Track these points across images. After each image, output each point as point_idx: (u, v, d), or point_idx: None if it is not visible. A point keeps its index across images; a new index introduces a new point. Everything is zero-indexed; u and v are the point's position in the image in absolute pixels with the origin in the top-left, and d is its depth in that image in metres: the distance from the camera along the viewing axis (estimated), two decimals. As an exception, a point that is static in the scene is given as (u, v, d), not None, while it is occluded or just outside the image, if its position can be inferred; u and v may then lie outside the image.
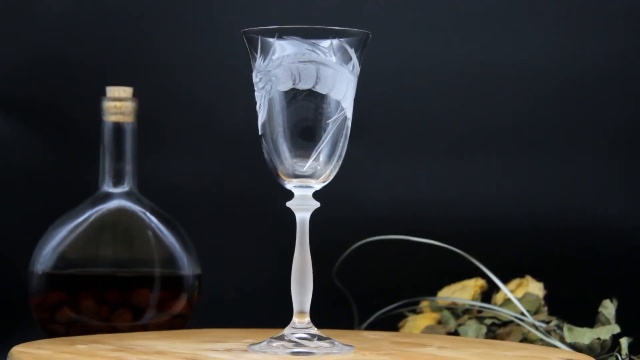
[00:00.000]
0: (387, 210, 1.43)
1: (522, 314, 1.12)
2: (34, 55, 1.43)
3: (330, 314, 1.17)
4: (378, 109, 1.44)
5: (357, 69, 0.90)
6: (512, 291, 1.18)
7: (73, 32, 1.43)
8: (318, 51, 0.88)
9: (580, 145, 1.44)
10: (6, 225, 1.40)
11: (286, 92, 0.90)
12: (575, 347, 1.06)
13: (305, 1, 1.44)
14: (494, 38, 1.45)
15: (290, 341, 0.91)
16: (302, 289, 0.92)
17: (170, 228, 1.16)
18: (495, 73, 1.44)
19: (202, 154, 1.45)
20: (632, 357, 1.05)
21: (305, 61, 0.89)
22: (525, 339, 1.10)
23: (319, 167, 0.91)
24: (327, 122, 0.90)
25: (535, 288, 1.19)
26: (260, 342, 0.93)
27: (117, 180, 1.17)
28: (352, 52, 0.89)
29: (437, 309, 1.20)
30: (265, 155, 0.92)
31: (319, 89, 0.89)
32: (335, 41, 0.89)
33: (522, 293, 1.18)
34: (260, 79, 0.91)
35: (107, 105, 1.16)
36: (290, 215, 0.94)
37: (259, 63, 0.91)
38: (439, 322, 1.18)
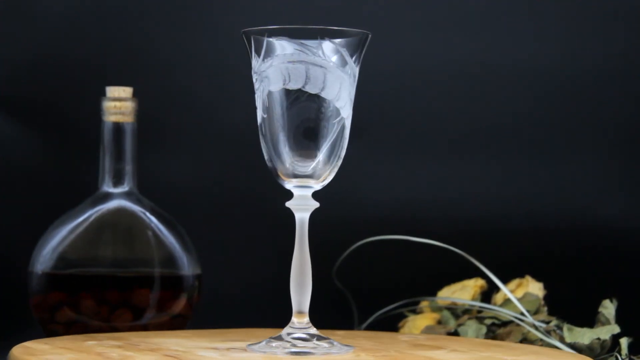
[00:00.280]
0: (387, 210, 1.43)
1: (522, 314, 1.12)
2: (34, 55, 1.43)
3: (330, 314, 1.17)
4: (378, 109, 1.44)
5: (354, 68, 0.90)
6: (512, 291, 1.18)
7: (73, 32, 1.43)
8: (307, 51, 0.88)
9: (580, 145, 1.44)
10: (6, 225, 1.40)
11: (287, 92, 0.90)
12: (575, 347, 1.06)
13: (306, 1, 1.44)
14: (494, 38, 1.45)
15: (289, 341, 0.91)
16: (301, 289, 0.92)
17: (170, 228, 1.16)
18: (495, 73, 1.44)
19: (202, 154, 1.45)
20: (632, 357, 1.05)
21: (294, 61, 0.89)
22: (525, 339, 1.10)
23: (318, 168, 0.91)
24: (329, 122, 0.90)
25: (535, 288, 1.19)
26: (259, 342, 0.93)
27: (117, 180, 1.17)
28: (344, 51, 0.89)
29: (437, 309, 1.20)
30: (265, 155, 0.92)
31: (309, 88, 0.89)
32: (325, 41, 0.89)
33: (522, 293, 1.18)
34: (256, 79, 0.91)
35: (107, 105, 1.16)
36: (290, 215, 0.94)
37: (254, 63, 0.91)
38: (439, 322, 1.18)
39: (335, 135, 0.91)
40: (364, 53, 0.92)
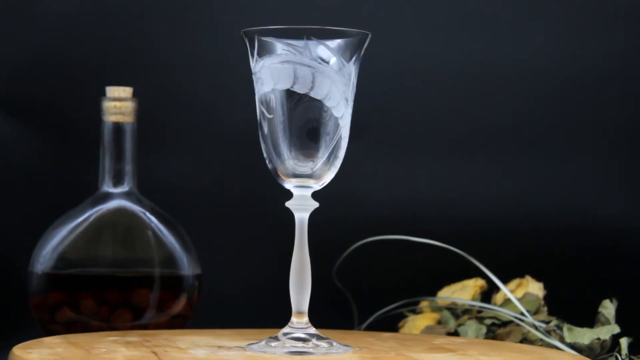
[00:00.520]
0: (387, 210, 1.43)
1: (522, 314, 1.12)
2: (34, 55, 1.43)
3: (330, 314, 1.17)
4: (378, 109, 1.44)
5: (348, 67, 0.90)
6: (512, 291, 1.18)
7: (73, 32, 1.43)
8: (294, 51, 0.89)
9: (580, 145, 1.44)
10: (6, 225, 1.40)
11: (288, 92, 0.90)
12: (575, 347, 1.06)
13: (306, 1, 1.44)
14: (494, 38, 1.45)
15: (288, 341, 0.91)
16: (300, 289, 0.92)
17: (170, 228, 1.16)
18: (495, 73, 1.44)
19: (202, 154, 1.45)
20: (632, 357, 1.05)
21: (282, 62, 0.89)
22: (525, 339, 1.10)
23: (318, 168, 0.91)
24: (329, 122, 0.90)
25: (535, 288, 1.19)
26: (258, 342, 0.93)
27: (117, 180, 1.17)
28: (333, 51, 0.89)
29: (437, 309, 1.20)
30: (265, 155, 0.92)
31: (297, 89, 0.89)
32: (313, 41, 0.89)
33: (522, 293, 1.18)
34: (254, 80, 0.91)
35: (107, 105, 1.16)
36: (289, 216, 0.94)
37: (251, 64, 0.92)
38: (439, 322, 1.18)
39: (334, 135, 0.91)
40: (363, 53, 0.92)
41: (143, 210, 1.16)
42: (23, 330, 1.21)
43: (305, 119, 0.90)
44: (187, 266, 1.16)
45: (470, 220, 1.43)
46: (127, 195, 1.17)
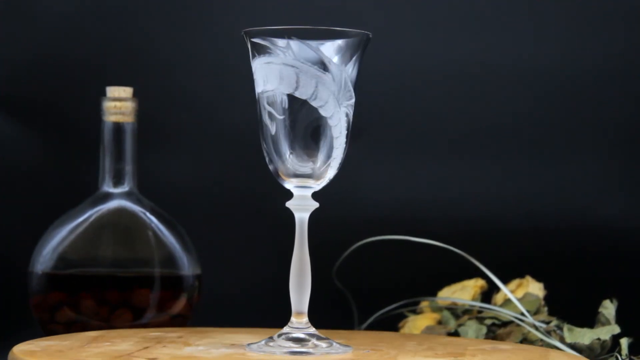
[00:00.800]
0: (387, 210, 1.43)
1: (522, 314, 1.12)
2: (34, 55, 1.43)
3: (330, 314, 1.17)
4: (378, 109, 1.44)
5: (338, 67, 0.90)
6: (512, 291, 1.18)
7: (73, 32, 1.43)
8: (279, 52, 0.89)
9: (580, 145, 1.44)
10: (6, 225, 1.40)
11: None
12: (575, 347, 1.06)
13: (306, 1, 1.44)
14: (494, 38, 1.45)
15: (288, 341, 0.91)
16: (300, 289, 0.92)
17: (170, 228, 1.16)
18: (495, 73, 1.44)
19: (202, 154, 1.45)
20: (632, 357, 1.05)
21: (268, 62, 0.90)
22: (526, 340, 1.10)
23: (318, 168, 0.91)
24: (329, 122, 0.90)
25: (535, 288, 1.19)
26: (258, 342, 0.93)
27: (117, 181, 1.17)
28: (320, 52, 0.89)
29: (437, 309, 1.20)
30: (265, 155, 0.92)
31: (284, 89, 0.90)
32: (294, 41, 0.89)
33: (522, 293, 1.18)
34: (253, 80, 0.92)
35: (107, 105, 1.17)
36: (289, 215, 0.94)
37: (252, 64, 0.92)
38: (439, 323, 1.18)
39: (344, 136, 0.91)
40: (364, 54, 0.92)
41: (143, 210, 1.16)
42: (23, 330, 1.21)
43: (306, 119, 0.90)
44: (187, 266, 1.16)
45: (470, 220, 1.43)
46: (127, 196, 1.17)
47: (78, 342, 0.95)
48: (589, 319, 1.11)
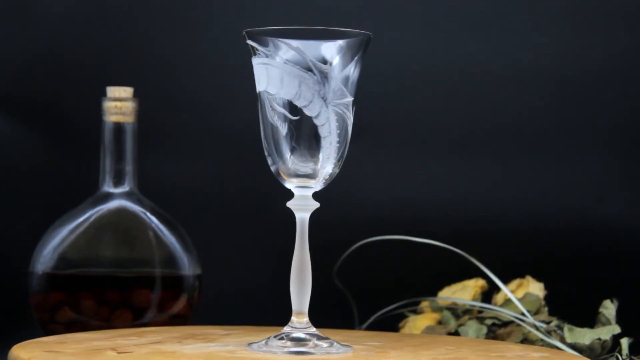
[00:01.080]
0: (388, 210, 1.43)
1: (523, 314, 1.12)
2: (34, 55, 1.43)
3: (331, 314, 1.17)
4: (378, 109, 1.44)
5: (322, 66, 0.90)
6: (512, 291, 1.18)
7: (73, 32, 1.43)
8: (264, 52, 0.89)
9: (580, 145, 1.44)
10: (6, 225, 1.40)
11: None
12: (575, 347, 1.06)
13: (307, 1, 1.44)
14: (494, 38, 1.45)
15: (288, 341, 0.92)
16: (301, 289, 0.92)
17: (171, 228, 1.16)
18: (496, 73, 1.44)
19: (203, 154, 1.45)
20: (633, 357, 1.05)
21: (259, 64, 0.90)
22: (526, 340, 1.10)
23: (319, 168, 0.91)
24: (330, 123, 0.90)
25: (535, 288, 1.19)
26: (258, 342, 0.93)
27: (118, 181, 1.17)
28: (300, 51, 0.89)
29: (438, 309, 1.20)
30: (266, 155, 0.92)
31: (271, 89, 0.90)
32: (276, 40, 0.89)
33: (523, 293, 1.18)
34: None
35: (108, 105, 1.16)
36: (290, 215, 0.94)
37: None
38: (440, 323, 1.18)
39: (343, 136, 0.91)
40: (364, 54, 0.92)
41: (143, 210, 1.16)
42: (23, 330, 1.21)
43: (309, 120, 0.90)
44: (188, 266, 1.16)
45: (471, 220, 1.43)
46: (128, 196, 1.17)
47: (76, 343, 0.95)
48: (590, 319, 1.11)
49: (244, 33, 0.91)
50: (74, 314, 1.12)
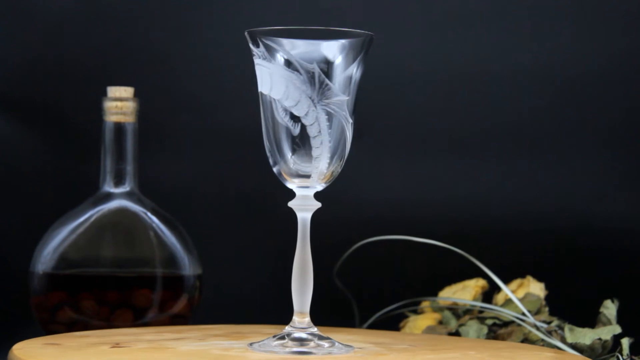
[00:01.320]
0: (387, 210, 1.43)
1: (523, 314, 1.12)
2: (34, 55, 1.43)
3: (331, 314, 1.17)
4: (378, 109, 1.44)
5: (307, 66, 0.90)
6: (513, 291, 1.18)
7: (74, 31, 1.43)
8: (255, 52, 0.90)
9: (580, 146, 1.44)
10: (7, 225, 1.40)
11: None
12: (576, 347, 1.06)
13: (307, 1, 1.44)
14: (494, 38, 1.45)
15: (290, 340, 0.91)
16: (302, 289, 0.92)
17: (171, 228, 1.16)
18: (496, 73, 1.44)
19: (203, 154, 1.45)
20: (633, 357, 1.05)
21: (256, 64, 0.91)
22: (527, 340, 1.10)
23: (320, 168, 0.91)
24: (331, 123, 0.90)
25: (536, 288, 1.19)
26: (260, 341, 0.93)
27: (118, 181, 1.17)
28: (282, 51, 0.89)
29: (438, 309, 1.20)
30: (268, 155, 0.92)
31: (263, 89, 0.91)
32: (266, 41, 0.89)
33: (523, 293, 1.18)
34: None
35: (108, 105, 1.16)
36: (290, 215, 0.94)
37: None
38: (440, 323, 1.18)
39: (337, 135, 0.91)
40: (366, 54, 0.92)
41: (144, 210, 1.16)
42: (23, 330, 1.21)
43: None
44: (188, 266, 1.16)
45: (471, 220, 1.43)
46: (128, 196, 1.17)
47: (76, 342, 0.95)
48: (590, 319, 1.12)
49: (245, 33, 0.91)
50: (74, 314, 1.12)
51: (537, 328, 1.10)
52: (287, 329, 0.93)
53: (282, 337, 0.92)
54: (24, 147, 1.42)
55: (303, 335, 0.92)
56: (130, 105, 1.17)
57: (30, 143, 1.42)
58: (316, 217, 0.94)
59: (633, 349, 1.07)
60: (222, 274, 1.36)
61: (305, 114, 0.90)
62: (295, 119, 0.91)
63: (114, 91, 1.17)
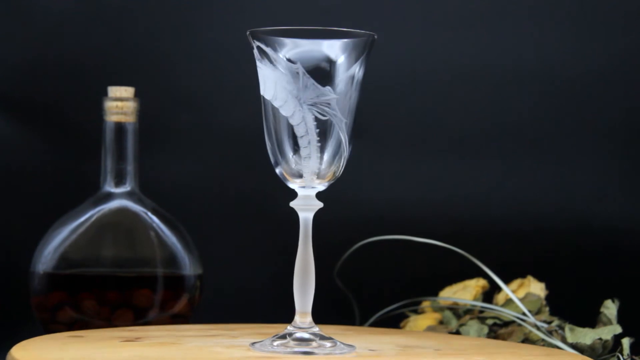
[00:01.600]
0: (388, 210, 1.43)
1: (524, 314, 1.12)
2: (34, 55, 1.43)
3: (332, 314, 1.17)
4: (378, 109, 1.44)
5: (288, 65, 0.90)
6: (513, 291, 1.18)
7: (74, 31, 1.43)
8: (254, 53, 0.90)
9: (580, 146, 1.44)
10: (8, 225, 1.40)
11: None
12: (577, 347, 1.06)
13: (308, 1, 1.44)
14: (495, 38, 1.45)
15: (292, 340, 0.91)
16: (304, 289, 0.92)
17: (172, 228, 1.16)
18: (496, 73, 1.44)
19: (204, 154, 1.45)
20: (634, 357, 1.05)
21: (257, 66, 0.91)
22: (527, 339, 1.10)
23: (323, 168, 0.91)
24: (332, 123, 0.90)
25: (536, 288, 1.19)
26: (262, 341, 0.93)
27: (119, 180, 1.17)
28: (269, 50, 0.90)
29: (439, 309, 1.20)
30: (270, 155, 0.92)
31: (261, 90, 0.91)
32: (256, 42, 0.89)
33: (524, 293, 1.18)
34: None
35: (109, 105, 1.16)
36: (290, 215, 0.94)
37: None
38: (441, 322, 1.18)
39: (313, 134, 0.91)
40: (365, 55, 0.92)
41: (145, 210, 1.16)
42: (24, 330, 1.21)
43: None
44: (189, 266, 1.16)
45: (471, 220, 1.43)
46: (129, 195, 1.17)
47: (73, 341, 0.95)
48: (591, 319, 1.12)
49: (247, 33, 0.91)
50: (75, 314, 1.12)
51: (538, 328, 1.10)
52: (289, 328, 0.93)
53: (284, 337, 0.92)
54: (24, 147, 1.42)
55: (305, 335, 0.92)
56: (130, 105, 1.16)
57: (30, 143, 1.42)
58: (316, 217, 0.94)
59: (633, 348, 1.07)
60: (222, 274, 1.36)
61: (292, 114, 0.90)
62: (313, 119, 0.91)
63: (114, 91, 1.17)
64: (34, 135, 1.43)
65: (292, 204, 0.93)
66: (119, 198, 1.17)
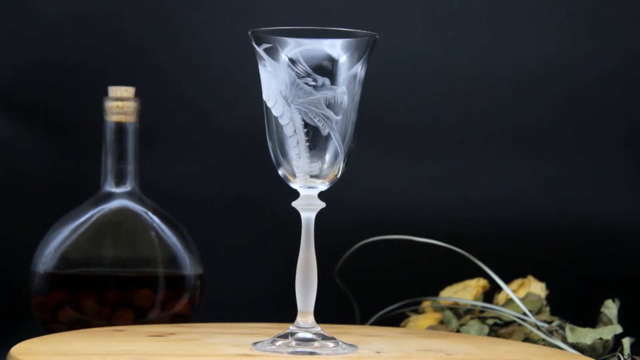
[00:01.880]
0: (388, 210, 1.43)
1: (524, 314, 1.12)
2: (35, 55, 1.43)
3: (332, 314, 1.17)
4: (378, 109, 1.44)
5: (280, 65, 0.90)
6: (514, 291, 1.18)
7: (75, 31, 1.43)
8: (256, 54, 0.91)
9: (580, 146, 1.44)
10: (8, 225, 1.40)
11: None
12: (577, 347, 1.06)
13: (308, 1, 1.44)
14: (495, 38, 1.45)
15: (294, 340, 0.91)
16: (306, 289, 0.92)
17: (172, 228, 1.16)
18: (496, 73, 1.44)
19: (204, 154, 1.45)
20: (634, 357, 1.05)
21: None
22: (528, 339, 1.10)
23: (324, 168, 0.91)
24: (333, 123, 0.91)
25: (537, 288, 1.19)
26: (263, 341, 0.93)
27: (119, 180, 1.17)
28: (260, 50, 0.90)
29: (439, 309, 1.20)
30: (272, 155, 0.92)
31: (262, 91, 0.91)
32: (253, 43, 0.90)
33: (524, 293, 1.18)
34: None
35: (110, 105, 1.16)
36: (291, 215, 0.94)
37: None
38: (441, 322, 1.18)
39: (302, 134, 0.91)
40: (367, 55, 0.92)
41: (145, 210, 1.16)
42: (24, 330, 1.21)
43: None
44: (189, 266, 1.16)
45: (471, 220, 1.43)
46: (129, 195, 1.17)
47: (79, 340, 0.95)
48: (591, 319, 1.12)
49: (249, 33, 0.91)
50: (75, 314, 1.12)
51: (538, 328, 1.10)
52: (291, 328, 0.93)
53: (286, 337, 0.92)
54: (24, 147, 1.42)
55: (307, 335, 0.92)
56: (131, 105, 1.16)
57: (31, 143, 1.42)
58: (317, 217, 0.94)
59: (634, 348, 1.07)
60: (223, 274, 1.36)
61: (281, 115, 0.90)
62: (326, 118, 0.91)
63: (115, 91, 1.17)
64: (34, 135, 1.43)
65: (294, 204, 0.93)
66: (120, 198, 1.16)
